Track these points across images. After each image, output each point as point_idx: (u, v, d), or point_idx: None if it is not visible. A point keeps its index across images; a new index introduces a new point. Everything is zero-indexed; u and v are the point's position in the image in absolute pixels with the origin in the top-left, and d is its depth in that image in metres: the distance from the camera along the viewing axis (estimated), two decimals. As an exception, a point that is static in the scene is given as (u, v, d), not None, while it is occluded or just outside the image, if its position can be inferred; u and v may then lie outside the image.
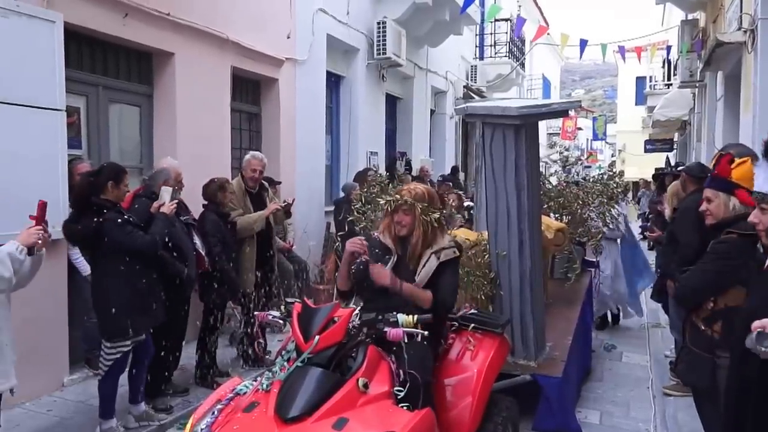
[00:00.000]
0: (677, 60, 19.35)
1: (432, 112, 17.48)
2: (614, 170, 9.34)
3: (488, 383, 4.21)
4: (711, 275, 4.07)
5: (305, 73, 10.68)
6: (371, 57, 13.01)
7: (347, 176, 11.83)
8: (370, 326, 3.57)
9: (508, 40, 20.54)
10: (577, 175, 9.98)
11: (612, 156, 47.92)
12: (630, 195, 9.96)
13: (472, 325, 4.46)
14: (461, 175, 15.86)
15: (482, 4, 18.07)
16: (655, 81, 31.70)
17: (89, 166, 6.30)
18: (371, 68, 13.19)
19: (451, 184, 13.61)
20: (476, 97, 18.65)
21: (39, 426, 5.55)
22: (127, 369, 5.48)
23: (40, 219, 4.08)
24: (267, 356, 7.13)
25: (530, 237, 5.54)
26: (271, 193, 7.61)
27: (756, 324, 2.80)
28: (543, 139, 36.29)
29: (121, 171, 5.25)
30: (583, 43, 14.01)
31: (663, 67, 28.68)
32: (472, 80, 19.65)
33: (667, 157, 21.24)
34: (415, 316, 3.62)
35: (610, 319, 9.74)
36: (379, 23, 12.88)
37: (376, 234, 4.39)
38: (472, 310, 4.73)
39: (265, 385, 3.25)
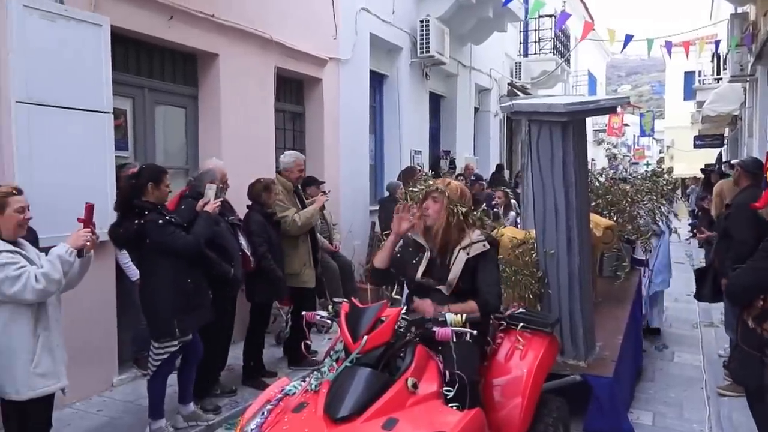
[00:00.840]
0: (727, 54, 19.01)
1: (476, 109, 17.39)
2: (663, 167, 9.18)
3: (538, 383, 4.14)
4: (762, 273, 4.01)
5: (349, 73, 10.67)
6: (414, 55, 12.97)
7: (391, 175, 11.80)
8: (419, 326, 3.56)
9: (553, 36, 20.36)
10: (625, 171, 9.84)
11: (660, 152, 47.25)
12: (679, 192, 9.79)
13: (521, 324, 4.40)
14: (506, 173, 15.74)
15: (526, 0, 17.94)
16: (704, 75, 31.18)
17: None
18: (414, 67, 13.15)
19: (485, 183, 13.52)
20: (521, 95, 18.51)
21: (89, 426, 5.62)
22: (175, 369, 5.53)
23: (88, 221, 4.15)
24: (313, 357, 7.14)
25: (579, 235, 5.46)
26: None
27: None
28: (589, 136, 35.96)
29: (160, 172, 5.28)
30: (628, 38, 13.81)
31: (712, 61, 28.20)
32: (516, 77, 19.50)
33: (720, 153, 20.88)
34: (464, 315, 3.57)
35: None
36: (422, 21, 12.83)
37: (410, 234, 4.33)
38: (521, 309, 4.67)
39: (313, 386, 3.25)
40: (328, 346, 3.59)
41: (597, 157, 30.55)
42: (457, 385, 3.48)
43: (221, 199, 5.63)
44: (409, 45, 12.87)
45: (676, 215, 9.11)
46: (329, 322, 3.80)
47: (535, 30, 20.70)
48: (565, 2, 24.66)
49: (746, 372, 4.16)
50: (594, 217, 6.65)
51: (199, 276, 5.41)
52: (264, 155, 8.57)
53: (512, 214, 10.42)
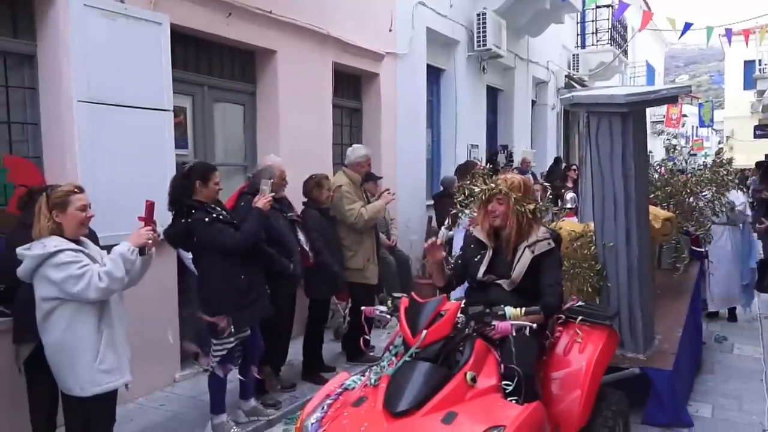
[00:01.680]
0: (788, 42, 18.40)
1: (533, 103, 17.15)
2: (722, 157, 8.91)
3: (597, 376, 4.10)
4: None
5: (406, 67, 10.57)
6: (471, 49, 12.78)
7: (448, 170, 11.66)
8: (478, 320, 3.55)
9: (610, 27, 19.97)
10: (685, 162, 9.56)
11: (719, 143, 46.07)
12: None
13: (580, 317, 4.33)
14: (563, 166, 15.49)
15: (583, -9, 17.61)
16: (765, 64, 30.35)
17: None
18: (471, 60, 12.97)
19: (530, 176, 13.25)
20: (578, 87, 18.18)
21: (152, 421, 5.63)
22: (237, 365, 5.48)
23: (149, 219, 4.12)
24: (371, 352, 7.06)
25: (638, 227, 5.41)
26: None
27: None
28: (648, 127, 35.27)
29: (208, 170, 5.23)
30: (687, 26, 13.41)
31: (772, 50, 27.42)
32: (573, 69, 19.21)
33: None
34: (523, 309, 3.58)
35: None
36: (478, 15, 12.64)
37: (470, 229, 4.37)
38: (579, 303, 4.59)
39: (373, 380, 3.30)
40: (388, 341, 3.65)
41: (655, 148, 29.89)
42: (516, 379, 3.45)
43: (273, 194, 5.54)
44: (466, 38, 12.70)
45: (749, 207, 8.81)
46: (388, 317, 3.79)
47: (593, 21, 20.39)
48: (622, -8, 24.15)
49: None
50: (652, 209, 6.55)
51: (254, 271, 5.34)
52: (321, 151, 8.52)
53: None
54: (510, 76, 15.36)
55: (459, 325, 3.49)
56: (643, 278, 5.51)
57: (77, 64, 5.40)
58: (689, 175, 8.27)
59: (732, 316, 9.24)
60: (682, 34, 13.53)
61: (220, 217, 5.10)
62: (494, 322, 3.50)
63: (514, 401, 3.29)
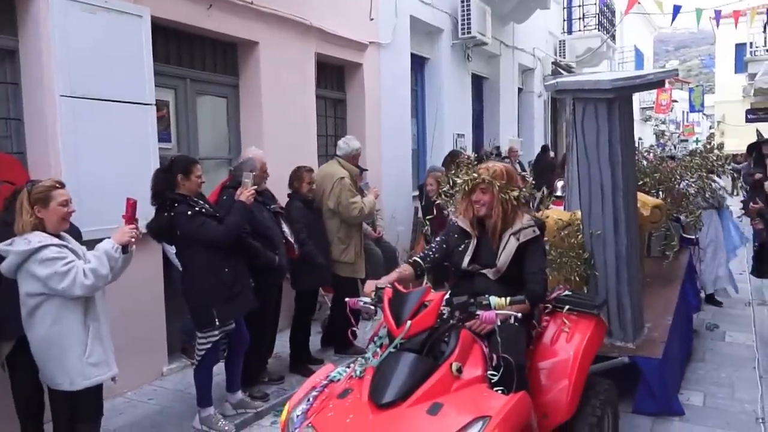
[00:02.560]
0: (779, 23, 18.59)
1: (519, 90, 17.25)
2: (713, 142, 9.02)
3: (585, 366, 4.14)
4: None
5: (389, 57, 10.65)
6: (456, 37, 12.87)
7: (434, 160, 11.76)
8: (462, 310, 3.59)
9: (597, 12, 20.08)
10: (674, 148, 9.64)
11: (710, 128, 46.30)
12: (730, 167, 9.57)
13: (567, 306, 4.38)
14: (551, 154, 15.61)
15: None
16: (756, 47, 30.50)
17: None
18: (456, 48, 13.06)
19: (518, 166, 13.37)
20: (565, 74, 18.30)
21: (141, 414, 5.74)
22: (223, 358, 5.61)
23: (131, 218, 4.24)
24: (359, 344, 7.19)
25: (625, 215, 5.44)
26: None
27: None
28: (636, 113, 35.41)
29: (190, 163, 5.32)
30: (676, 9, 13.55)
31: (764, 32, 27.59)
32: (560, 56, 19.30)
33: (757, 130, 20.46)
34: (508, 298, 3.59)
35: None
36: (462, 2, 12.70)
37: (453, 218, 4.35)
38: (566, 292, 4.63)
39: (358, 372, 3.32)
40: (372, 332, 3.69)
41: (644, 135, 30.10)
42: (502, 369, 3.48)
43: (256, 187, 5.65)
44: (450, 26, 12.78)
45: (727, 192, 8.93)
46: (372, 308, 3.77)
47: (579, 6, 20.47)
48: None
49: None
50: (641, 196, 6.63)
51: (238, 264, 5.45)
52: (306, 143, 8.61)
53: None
54: (495, 64, 15.43)
55: (444, 316, 3.53)
56: (632, 267, 5.56)
57: (59, 58, 5.48)
58: (678, 161, 8.36)
59: (712, 300, 9.31)
60: (673, 19, 13.66)
61: (203, 210, 5.19)
62: (479, 312, 3.54)
63: (500, 391, 3.34)
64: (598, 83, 5.22)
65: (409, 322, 3.26)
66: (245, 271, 5.55)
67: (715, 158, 8.13)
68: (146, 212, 5.22)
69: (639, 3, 15.57)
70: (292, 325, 6.90)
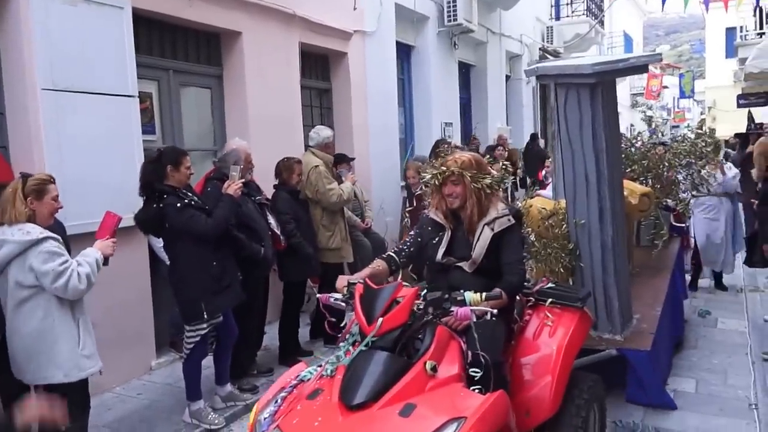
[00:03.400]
0: (770, 5, 18.67)
1: (507, 77, 17.30)
2: (704, 128, 9.06)
3: (569, 361, 4.07)
4: None
5: (375, 45, 10.69)
6: (442, 24, 12.90)
7: (422, 149, 11.81)
8: (436, 306, 3.54)
9: (586, -3, 20.14)
10: (662, 135, 9.66)
11: (701, 114, 46.50)
12: (722, 154, 9.66)
13: (550, 299, 4.33)
14: (541, 142, 15.68)
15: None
16: (747, 31, 30.58)
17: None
18: (442, 36, 13.11)
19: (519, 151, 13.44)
20: (551, 59, 18.37)
21: (130, 409, 5.80)
22: (211, 351, 5.68)
23: (114, 233, 4.43)
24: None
25: (611, 204, 5.37)
26: None
27: None
28: (626, 100, 35.55)
29: (179, 154, 5.36)
30: (665, -7, 13.63)
31: (754, 15, 27.66)
32: (548, 42, 19.33)
33: (749, 112, 20.52)
34: (483, 294, 3.52)
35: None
36: (448, -12, 12.74)
37: (426, 211, 4.27)
38: (550, 284, 4.55)
39: (329, 371, 3.24)
40: (344, 330, 3.59)
41: (635, 121, 30.19)
42: (480, 367, 3.43)
43: (243, 179, 5.71)
44: (436, 14, 12.82)
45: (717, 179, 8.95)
46: (343, 305, 3.72)
47: (568, -9, 20.50)
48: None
49: None
50: (629, 184, 6.64)
51: (226, 257, 5.51)
52: (291, 133, 8.66)
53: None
54: (482, 51, 15.48)
55: (417, 312, 3.48)
56: (618, 257, 5.50)
57: (40, 51, 5.51)
58: (667, 147, 8.27)
59: (720, 284, 9.53)
60: (663, 3, 13.72)
61: (192, 202, 5.23)
62: (453, 308, 3.50)
63: (477, 390, 3.28)
64: (579, 68, 5.15)
65: (380, 320, 3.19)
66: (233, 263, 5.61)
67: (703, 144, 8.09)
68: (133, 205, 5.30)
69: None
70: (281, 317, 6.96)
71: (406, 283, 3.86)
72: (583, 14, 20.20)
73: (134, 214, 5.34)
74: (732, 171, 9.26)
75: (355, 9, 10.09)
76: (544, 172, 10.59)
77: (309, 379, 3.32)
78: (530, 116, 18.74)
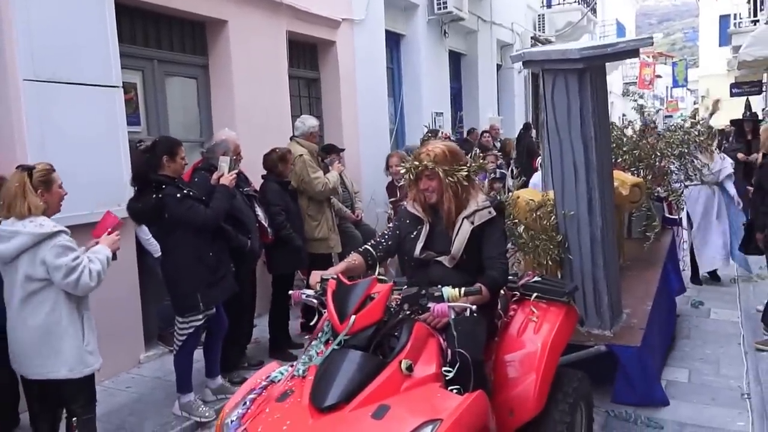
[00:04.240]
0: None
1: (498, 67, 17.32)
2: (697, 117, 9.05)
3: (554, 357, 3.98)
4: None
5: (364, 34, 10.69)
6: (432, 12, 12.93)
7: (413, 139, 11.83)
8: (413, 302, 3.46)
9: (578, -16, 20.17)
10: (654, 123, 9.56)
11: (694, 103, 46.66)
12: (716, 143, 9.65)
13: (535, 294, 4.23)
14: (533, 132, 15.72)
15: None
16: (740, 18, 30.69)
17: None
18: (432, 24, 13.13)
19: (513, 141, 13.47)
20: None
21: (120, 403, 5.81)
22: (200, 344, 5.70)
23: (115, 229, 4.46)
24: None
25: (600, 195, 5.27)
26: None
27: None
28: (619, 89, 35.62)
29: (174, 144, 5.38)
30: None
31: (748, 2, 27.76)
32: (539, 30, 19.38)
33: (747, 100, 20.58)
34: (462, 289, 3.43)
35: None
36: (438, -25, 12.72)
37: (404, 204, 4.16)
38: (536, 278, 4.44)
39: (300, 371, 3.14)
40: (316, 328, 3.49)
41: (627, 110, 30.27)
42: (458, 366, 3.32)
43: (236, 170, 5.73)
44: (426, 1, 12.85)
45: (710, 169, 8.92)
46: (315, 301, 3.59)
47: (559, -22, 20.54)
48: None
49: None
50: (620, 175, 6.59)
51: (221, 249, 5.54)
52: (279, 124, 8.64)
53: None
54: (473, 40, 15.51)
55: (393, 309, 3.39)
56: (608, 249, 5.41)
57: (21, 41, 5.47)
58: (660, 136, 8.20)
59: (714, 276, 9.51)
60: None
61: (190, 193, 5.26)
62: (430, 305, 3.40)
63: (455, 390, 3.17)
64: (567, 53, 4.99)
65: (353, 317, 3.10)
66: (227, 255, 5.65)
67: (697, 133, 8.05)
68: (120, 196, 5.29)
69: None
70: (270, 309, 6.98)
71: (384, 277, 3.74)
72: (575, 2, 20.26)
73: (127, 205, 5.35)
74: (726, 160, 9.23)
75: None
76: (539, 160, 10.58)
77: (280, 380, 3.21)
78: (522, 106, 18.78)
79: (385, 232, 4.14)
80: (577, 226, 5.35)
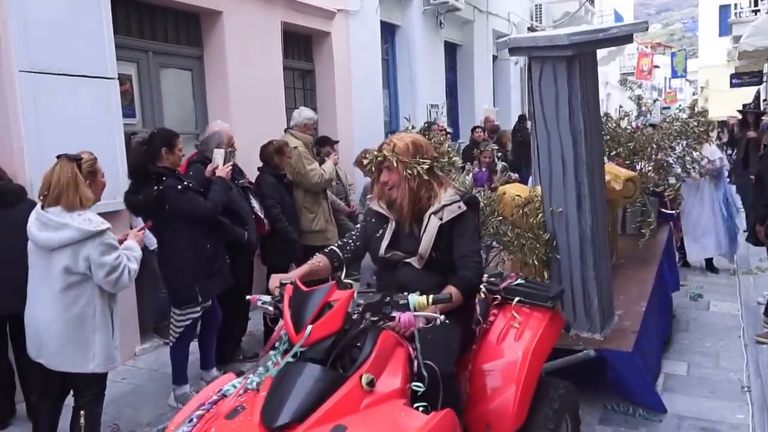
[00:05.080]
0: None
1: (494, 58, 17.37)
2: (696, 108, 9.04)
3: (536, 367, 3.75)
4: None
5: (358, 25, 10.75)
6: (427, 3, 13.00)
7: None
8: (375, 310, 3.16)
9: (575, -26, 20.21)
10: (649, 114, 9.52)
11: (693, 94, 46.71)
12: (714, 134, 9.71)
13: (517, 298, 4.00)
14: (528, 124, 15.76)
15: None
16: (741, 8, 30.75)
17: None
18: (428, 15, 13.19)
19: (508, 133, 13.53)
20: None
21: (116, 394, 5.87)
22: (196, 336, 5.80)
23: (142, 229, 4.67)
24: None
25: (590, 190, 5.05)
26: None
27: None
28: (615, 79, 35.67)
29: (173, 135, 5.47)
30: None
31: (749, -10, 27.83)
32: (536, 21, 19.40)
33: (758, 91, 20.70)
34: (430, 296, 3.19)
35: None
36: (433, -35, 12.76)
37: (368, 201, 3.97)
38: (519, 280, 4.19)
39: (254, 384, 2.92)
40: (272, 337, 3.22)
41: (625, 102, 30.35)
42: (426, 380, 3.08)
43: (231, 163, 5.82)
44: (421, -9, 12.86)
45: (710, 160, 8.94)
46: (271, 309, 3.33)
47: (556, -32, 20.55)
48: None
49: None
50: (613, 168, 6.52)
51: (218, 241, 5.64)
52: (274, 115, 8.72)
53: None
54: (469, 31, 15.55)
55: (354, 317, 3.09)
56: (598, 248, 5.19)
57: (17, 33, 5.55)
58: (656, 128, 8.08)
59: (710, 267, 9.64)
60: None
61: (190, 185, 5.34)
62: (395, 313, 3.13)
63: (422, 408, 2.93)
64: (555, 38, 4.74)
65: (309, 327, 2.83)
66: (223, 247, 5.74)
67: (695, 124, 7.76)
68: (115, 188, 5.36)
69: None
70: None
71: (350, 280, 3.57)
72: (573, -8, 20.29)
73: (124, 197, 5.45)
74: (717, 152, 9.33)
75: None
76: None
77: (232, 394, 2.97)
78: (518, 97, 18.81)
79: (353, 231, 3.95)
80: (566, 223, 5.16)
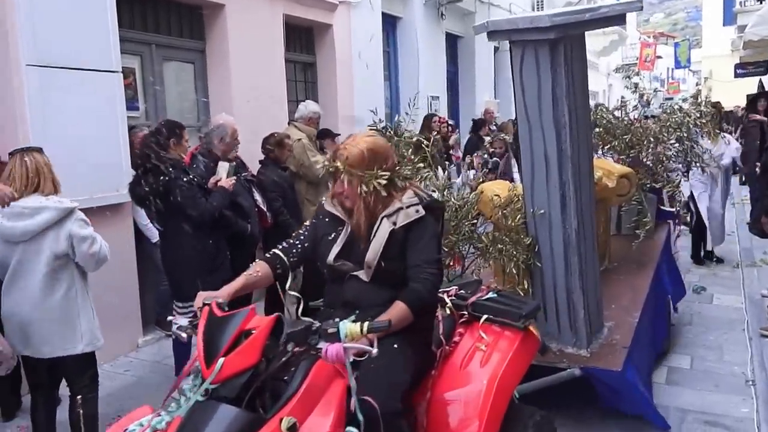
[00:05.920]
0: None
1: (496, 49, 17.41)
2: (699, 99, 9.02)
3: (504, 396, 3.26)
4: None
5: (360, 17, 10.84)
6: (428, -7, 12.99)
7: (409, 123, 11.90)
8: (299, 341, 2.74)
9: (578, -37, 20.22)
10: (649, 105, 9.34)
11: (697, 85, 46.58)
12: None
13: (485, 316, 3.55)
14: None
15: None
16: (746, -4, 30.70)
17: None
18: (429, 6, 13.27)
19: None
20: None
21: (118, 385, 6.02)
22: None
23: None
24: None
25: (576, 190, 4.58)
26: None
27: None
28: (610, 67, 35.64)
29: (179, 127, 5.57)
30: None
31: (755, -21, 27.75)
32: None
33: (760, 81, 20.71)
34: (365, 324, 2.70)
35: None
36: (435, -44, 12.79)
37: (323, 201, 3.39)
38: (490, 294, 3.73)
39: (163, 423, 2.52)
40: (187, 365, 2.82)
41: (627, 93, 30.47)
42: (363, 420, 2.69)
43: (235, 177, 5.86)
44: (423, -18, 12.89)
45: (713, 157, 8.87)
46: (184, 335, 2.92)
47: (558, -43, 20.57)
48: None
49: None
50: (605, 164, 6.24)
51: (220, 236, 5.71)
52: (276, 108, 8.83)
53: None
54: (470, 22, 15.35)
55: (279, 348, 2.71)
56: (585, 254, 4.74)
57: (24, 27, 5.65)
58: (655, 118, 7.78)
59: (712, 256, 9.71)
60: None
61: (195, 179, 5.41)
62: (321, 344, 2.65)
63: None
64: (536, 20, 4.28)
65: (221, 360, 2.47)
66: (224, 242, 5.81)
67: (699, 115, 7.46)
68: (118, 180, 5.45)
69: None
70: (266, 296, 7.12)
71: (295, 293, 3.29)
72: (575, -19, 20.30)
73: (129, 188, 5.51)
74: (732, 144, 9.32)
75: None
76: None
77: None
78: (519, 89, 18.70)
79: (300, 231, 3.40)
80: (549, 226, 4.69)
